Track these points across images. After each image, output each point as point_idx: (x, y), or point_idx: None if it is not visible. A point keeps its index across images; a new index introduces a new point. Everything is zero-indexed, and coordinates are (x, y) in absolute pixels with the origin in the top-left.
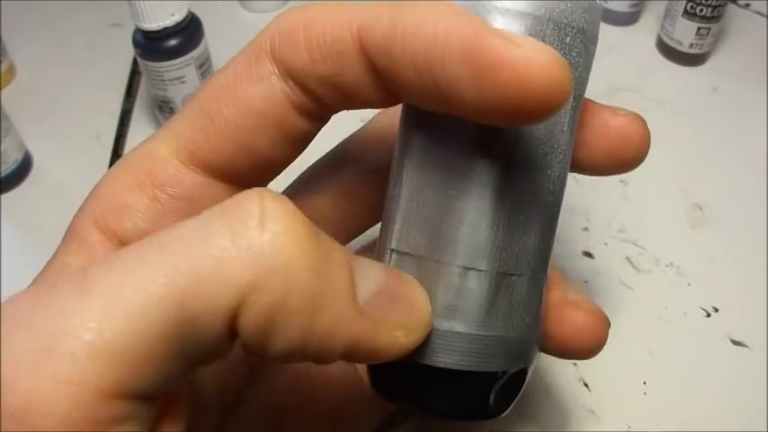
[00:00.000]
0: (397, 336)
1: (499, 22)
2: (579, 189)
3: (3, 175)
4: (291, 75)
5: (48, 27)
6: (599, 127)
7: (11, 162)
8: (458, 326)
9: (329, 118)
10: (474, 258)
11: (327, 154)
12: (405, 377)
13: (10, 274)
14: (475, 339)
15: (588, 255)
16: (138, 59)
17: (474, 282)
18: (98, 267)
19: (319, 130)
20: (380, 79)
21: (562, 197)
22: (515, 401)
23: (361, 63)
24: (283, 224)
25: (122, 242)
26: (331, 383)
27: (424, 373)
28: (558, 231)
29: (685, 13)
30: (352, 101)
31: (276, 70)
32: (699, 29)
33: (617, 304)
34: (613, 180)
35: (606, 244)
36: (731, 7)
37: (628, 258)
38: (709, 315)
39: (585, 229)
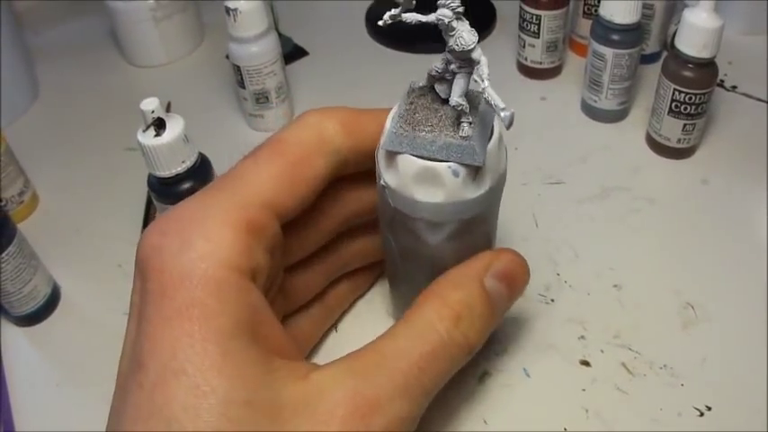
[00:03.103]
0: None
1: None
2: (574, 297)
3: (33, 310)
4: None
5: (65, 154)
6: None
7: (41, 297)
8: None
9: None
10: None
11: None
12: None
13: (48, 404)
14: None
15: (585, 363)
16: (154, 201)
17: None
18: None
19: None
20: None
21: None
22: None
23: None
24: (471, 323)
25: None
26: None
27: None
28: (556, 342)
29: (670, 111)
30: None
31: None
32: (685, 125)
33: (613, 410)
34: (607, 285)
35: (602, 351)
36: (718, 91)
37: (623, 364)
38: (702, 414)
39: (582, 337)
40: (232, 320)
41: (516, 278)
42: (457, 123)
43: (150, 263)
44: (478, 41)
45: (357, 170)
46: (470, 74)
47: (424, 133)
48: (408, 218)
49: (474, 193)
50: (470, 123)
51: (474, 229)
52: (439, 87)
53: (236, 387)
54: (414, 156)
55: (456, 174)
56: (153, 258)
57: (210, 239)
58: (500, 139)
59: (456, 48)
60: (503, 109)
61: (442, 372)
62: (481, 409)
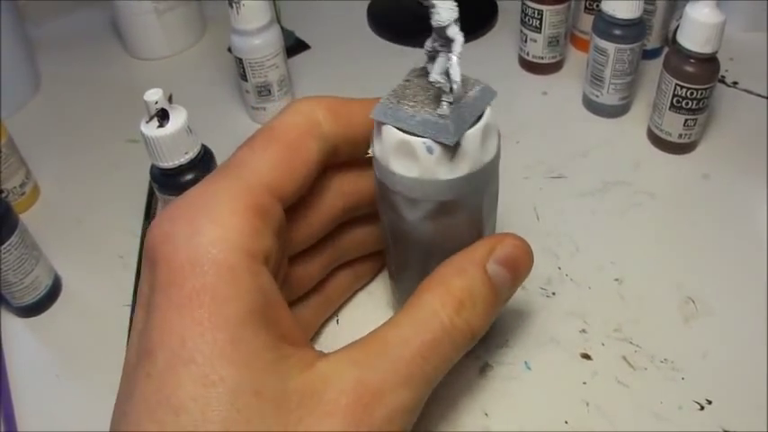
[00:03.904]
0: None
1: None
2: (576, 290)
3: (34, 300)
4: None
5: (67, 145)
6: None
7: (42, 287)
8: None
9: None
10: None
11: None
12: None
13: (49, 395)
14: None
15: (586, 356)
16: (156, 192)
17: None
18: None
19: None
20: None
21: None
22: None
23: None
24: (474, 309)
25: None
26: None
27: None
28: (557, 335)
29: (672, 106)
30: None
31: None
32: (686, 120)
33: (614, 403)
34: (608, 279)
35: (603, 344)
36: (719, 87)
37: (624, 357)
38: (702, 408)
39: (583, 331)
40: (243, 306)
41: (520, 263)
42: (439, 102)
43: (160, 251)
44: (480, 35)
45: (349, 158)
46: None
47: (406, 107)
48: (388, 190)
49: (448, 174)
50: (450, 103)
51: (455, 215)
52: (429, 66)
53: (245, 376)
54: (395, 127)
55: (430, 150)
56: (162, 246)
57: (220, 224)
58: (486, 127)
59: (433, 24)
60: (455, 82)
61: (445, 359)
62: (482, 401)
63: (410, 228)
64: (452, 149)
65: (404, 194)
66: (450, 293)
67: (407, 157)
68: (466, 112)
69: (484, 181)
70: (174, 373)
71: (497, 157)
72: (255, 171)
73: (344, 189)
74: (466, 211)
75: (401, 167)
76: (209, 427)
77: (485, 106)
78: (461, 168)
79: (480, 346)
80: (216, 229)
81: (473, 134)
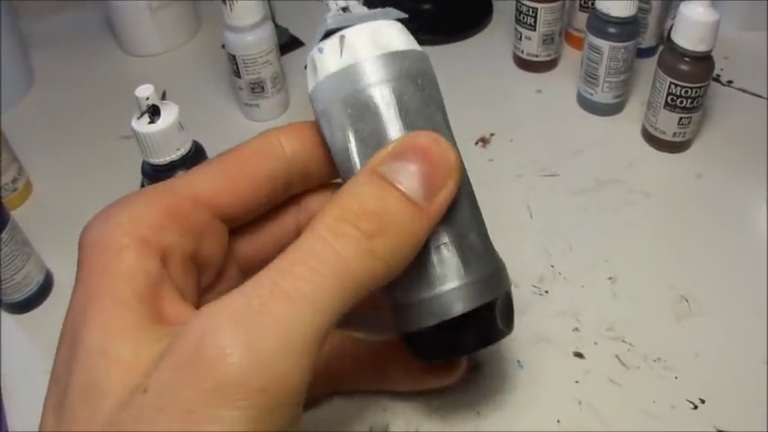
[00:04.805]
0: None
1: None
2: (568, 288)
3: (25, 297)
4: None
5: (59, 142)
6: None
7: (33, 284)
8: (451, 284)
9: None
10: (438, 238)
11: None
12: (438, 340)
13: (36, 392)
14: (465, 286)
15: (579, 355)
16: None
17: (446, 252)
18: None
19: None
20: None
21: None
22: (514, 320)
23: None
24: (362, 212)
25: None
26: None
27: (449, 329)
28: (549, 334)
29: (666, 105)
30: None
31: None
32: (680, 119)
33: (607, 402)
34: (601, 277)
35: (596, 343)
36: (714, 85)
37: (617, 356)
38: (695, 407)
39: (576, 329)
40: (124, 283)
41: (421, 150)
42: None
43: (81, 239)
44: (475, 33)
45: (321, 180)
46: None
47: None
48: (316, 119)
49: (340, 64)
50: (343, 10)
51: (375, 131)
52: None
53: (112, 344)
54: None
55: (320, 50)
56: (82, 236)
57: (126, 216)
58: (378, 26)
59: None
60: None
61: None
62: (474, 400)
63: (343, 159)
64: (339, 43)
65: (320, 110)
66: (330, 204)
67: (312, 71)
68: (356, 18)
69: (387, 77)
70: (63, 346)
71: (413, 60)
72: (189, 184)
73: (310, 207)
74: (385, 126)
75: (312, 82)
76: (73, 386)
77: (383, 18)
78: (350, 57)
79: None
80: (120, 217)
81: (359, 28)
